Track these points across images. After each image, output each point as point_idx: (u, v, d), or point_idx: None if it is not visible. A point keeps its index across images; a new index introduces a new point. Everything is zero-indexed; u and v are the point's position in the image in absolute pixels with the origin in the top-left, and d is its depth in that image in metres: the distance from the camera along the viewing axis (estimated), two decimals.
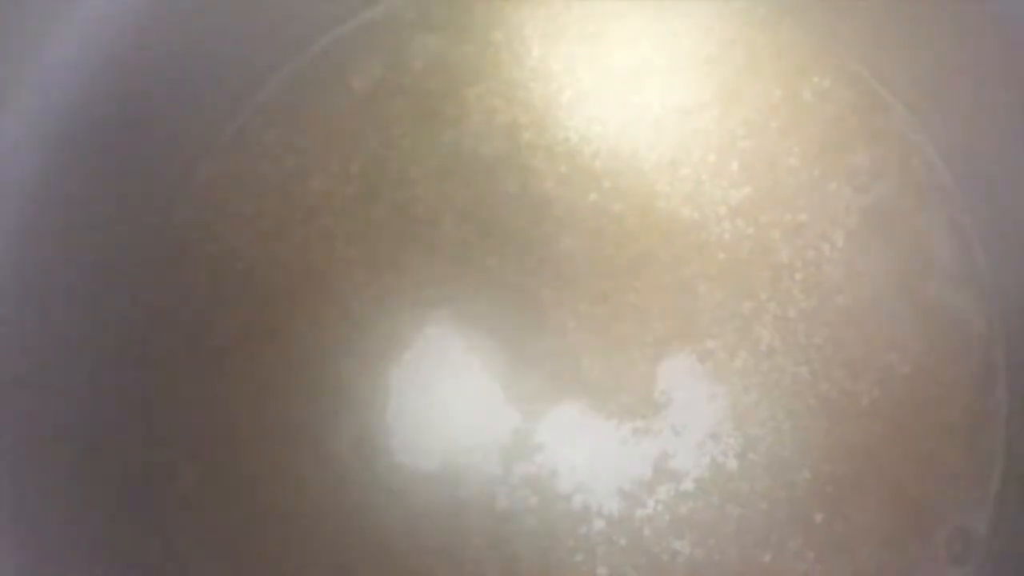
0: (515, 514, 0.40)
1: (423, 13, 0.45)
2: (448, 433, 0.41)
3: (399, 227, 0.43)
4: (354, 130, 0.44)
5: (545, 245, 0.43)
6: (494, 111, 0.44)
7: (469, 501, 0.40)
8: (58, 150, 0.37)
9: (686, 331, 0.41)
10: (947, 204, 0.44)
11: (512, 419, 0.41)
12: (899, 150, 0.45)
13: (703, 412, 0.41)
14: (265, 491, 0.41)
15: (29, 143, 0.36)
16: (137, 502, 0.41)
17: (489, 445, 0.41)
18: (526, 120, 0.44)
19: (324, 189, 0.44)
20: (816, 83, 0.45)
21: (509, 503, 0.40)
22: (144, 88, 0.39)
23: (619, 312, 0.42)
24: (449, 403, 0.41)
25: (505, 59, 0.45)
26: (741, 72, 0.45)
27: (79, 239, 0.40)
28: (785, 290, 0.42)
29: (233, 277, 0.43)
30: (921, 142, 0.45)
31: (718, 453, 0.40)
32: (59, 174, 0.38)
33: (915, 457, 0.40)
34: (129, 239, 0.42)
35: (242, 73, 0.44)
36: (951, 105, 0.44)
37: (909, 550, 0.39)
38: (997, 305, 0.42)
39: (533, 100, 0.44)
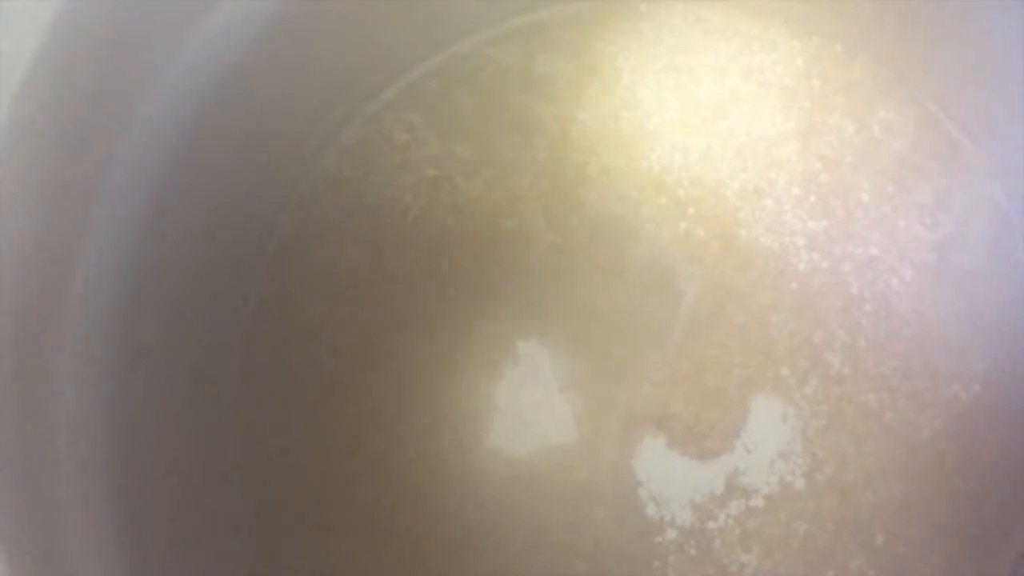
0: (593, 522, 0.43)
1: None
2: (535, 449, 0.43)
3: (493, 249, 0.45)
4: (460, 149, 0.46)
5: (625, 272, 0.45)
6: (583, 135, 0.46)
7: (550, 509, 0.43)
8: (177, 157, 0.39)
9: (762, 363, 0.44)
10: (1012, 238, 0.46)
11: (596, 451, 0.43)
12: (965, 186, 0.47)
13: (774, 432, 0.43)
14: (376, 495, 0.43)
15: (153, 151, 0.38)
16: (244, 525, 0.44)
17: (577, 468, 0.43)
18: (614, 145, 0.46)
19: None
20: (883, 117, 0.47)
21: (588, 511, 0.43)
22: (265, 97, 0.41)
23: (703, 358, 0.44)
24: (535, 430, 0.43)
25: (595, 86, 0.47)
26: (816, 105, 0.47)
27: (190, 243, 0.42)
28: (855, 321, 0.44)
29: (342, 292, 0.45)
30: (987, 178, 0.47)
31: (787, 472, 0.43)
32: (179, 177, 0.39)
33: (977, 482, 0.43)
34: (235, 250, 0.44)
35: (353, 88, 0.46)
36: (1018, 142, 0.46)
37: (970, 574, 0.42)
38: None
39: (621, 127, 0.46)
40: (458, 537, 0.43)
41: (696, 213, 0.46)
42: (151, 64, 0.36)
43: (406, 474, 0.44)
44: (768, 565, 0.42)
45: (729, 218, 0.46)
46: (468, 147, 0.47)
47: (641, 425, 0.43)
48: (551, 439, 0.44)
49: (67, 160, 0.33)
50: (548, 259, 0.45)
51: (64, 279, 0.35)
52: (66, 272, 0.35)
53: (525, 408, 0.44)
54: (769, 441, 0.43)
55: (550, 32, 0.47)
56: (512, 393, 0.44)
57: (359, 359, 0.45)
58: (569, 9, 0.48)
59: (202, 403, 0.44)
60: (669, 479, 0.43)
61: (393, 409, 0.44)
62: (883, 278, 0.45)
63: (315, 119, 0.47)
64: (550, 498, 0.43)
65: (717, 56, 0.48)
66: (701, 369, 0.44)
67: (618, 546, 0.43)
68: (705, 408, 0.43)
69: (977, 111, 0.48)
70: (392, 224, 0.46)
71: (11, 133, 0.30)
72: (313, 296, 0.46)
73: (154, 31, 0.36)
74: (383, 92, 0.47)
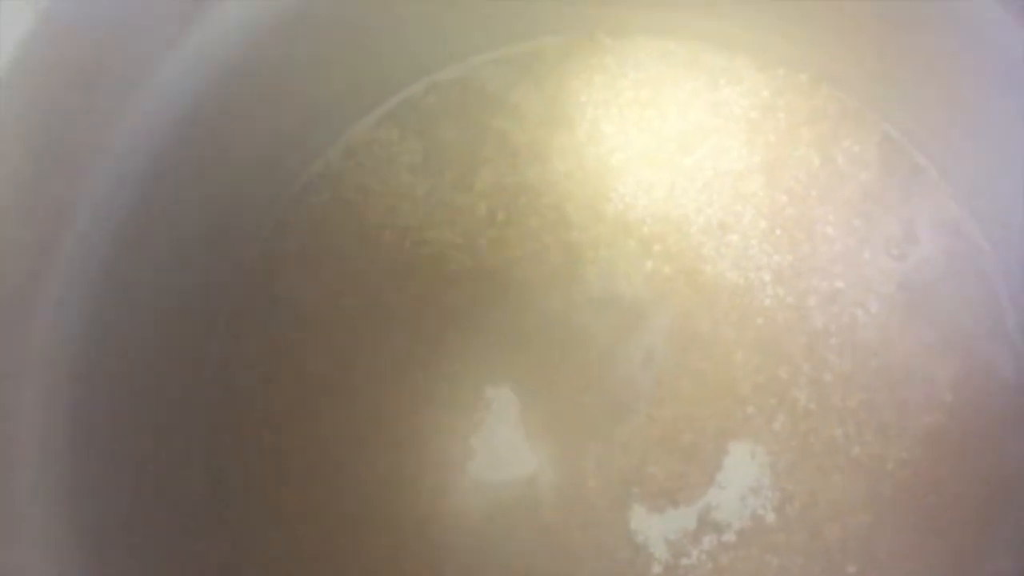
0: (564, 562, 0.43)
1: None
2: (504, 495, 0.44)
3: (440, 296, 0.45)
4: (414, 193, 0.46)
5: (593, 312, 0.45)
6: (542, 176, 0.47)
7: (527, 543, 0.43)
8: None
9: (730, 407, 0.44)
10: (980, 266, 0.47)
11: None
12: (932, 216, 0.48)
13: (745, 470, 0.44)
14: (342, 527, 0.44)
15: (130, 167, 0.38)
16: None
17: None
18: (579, 180, 0.47)
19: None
20: (848, 148, 0.47)
21: (563, 545, 0.43)
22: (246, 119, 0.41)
23: (675, 415, 0.44)
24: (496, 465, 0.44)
25: (560, 123, 0.47)
26: (782, 138, 0.48)
27: (167, 264, 0.42)
28: (820, 356, 0.45)
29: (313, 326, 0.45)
30: (954, 207, 0.48)
31: (758, 507, 0.44)
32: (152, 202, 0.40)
33: (948, 508, 0.43)
34: (202, 285, 0.44)
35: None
36: (985, 169, 0.47)
37: None
38: None
39: (585, 162, 0.47)
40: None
41: (662, 250, 0.46)
42: (127, 82, 0.37)
43: (369, 516, 0.44)
44: None
45: (694, 254, 0.46)
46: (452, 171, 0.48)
47: (615, 486, 0.44)
48: (520, 489, 0.44)
49: (40, 173, 0.34)
50: (514, 296, 0.46)
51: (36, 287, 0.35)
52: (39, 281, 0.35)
53: (495, 455, 0.44)
54: (740, 478, 0.44)
55: (520, 65, 0.48)
56: (482, 440, 0.44)
57: (332, 388, 0.45)
58: (534, 45, 0.48)
59: (169, 428, 0.45)
60: (644, 524, 0.44)
61: (360, 445, 0.45)
62: (848, 311, 0.46)
63: (295, 144, 0.47)
64: (518, 542, 0.44)
65: (682, 90, 0.48)
66: (674, 428, 0.45)
67: None
68: (680, 463, 0.44)
69: (943, 139, 0.48)
70: (371, 252, 0.46)
71: None
72: (287, 321, 0.46)
73: (129, 51, 0.36)
74: (365, 117, 0.47)
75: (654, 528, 0.44)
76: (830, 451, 0.44)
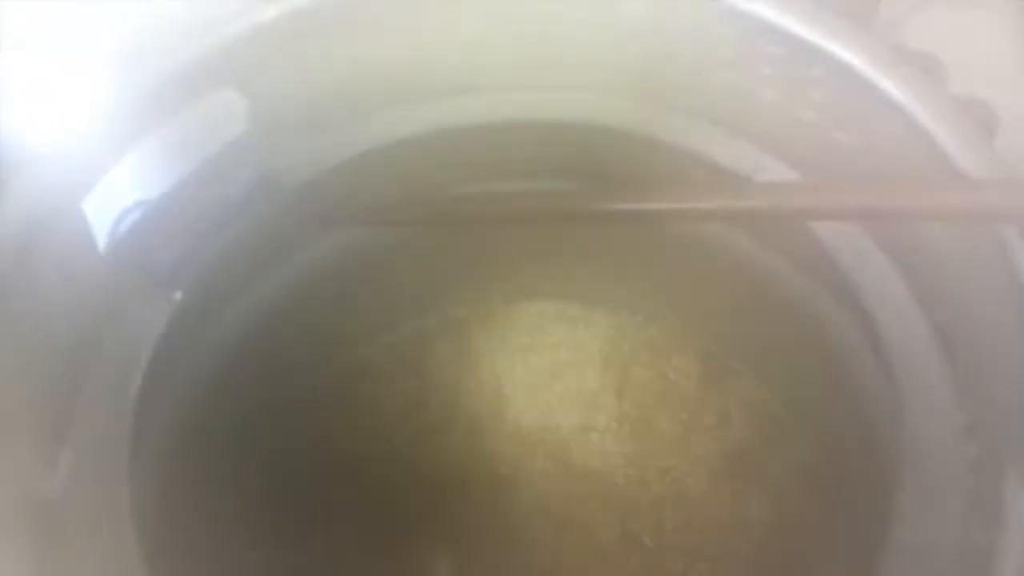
0: None
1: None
2: None
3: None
4: None
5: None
6: (456, 403, 0.66)
7: None
8: None
9: (597, 552, 0.60)
10: (785, 435, 0.63)
11: None
12: (745, 405, 0.65)
13: None
14: None
15: None
16: None
17: None
18: (482, 404, 0.66)
19: None
20: (675, 364, 0.66)
21: None
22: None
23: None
24: None
25: (471, 368, 0.68)
26: (626, 363, 0.67)
27: None
28: (659, 513, 0.60)
29: None
30: (764, 396, 0.65)
31: None
32: None
33: None
34: None
35: None
36: (783, 364, 0.64)
37: None
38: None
39: (483, 393, 0.66)
40: None
41: (543, 450, 0.64)
42: None
43: None
44: None
45: (566, 449, 0.64)
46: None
47: None
48: None
49: None
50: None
51: None
52: None
53: None
54: None
55: (438, 331, 0.69)
56: None
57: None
58: (444, 315, 0.70)
59: None
60: None
61: None
62: (680, 479, 0.62)
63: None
64: None
65: (552, 336, 0.69)
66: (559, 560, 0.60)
67: None
68: None
69: (746, 343, 0.66)
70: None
71: None
72: None
73: None
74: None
75: None
76: None
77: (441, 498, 0.63)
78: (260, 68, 0.45)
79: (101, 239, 0.43)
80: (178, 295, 0.43)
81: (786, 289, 0.55)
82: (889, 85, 0.40)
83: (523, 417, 0.66)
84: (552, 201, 0.47)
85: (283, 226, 0.49)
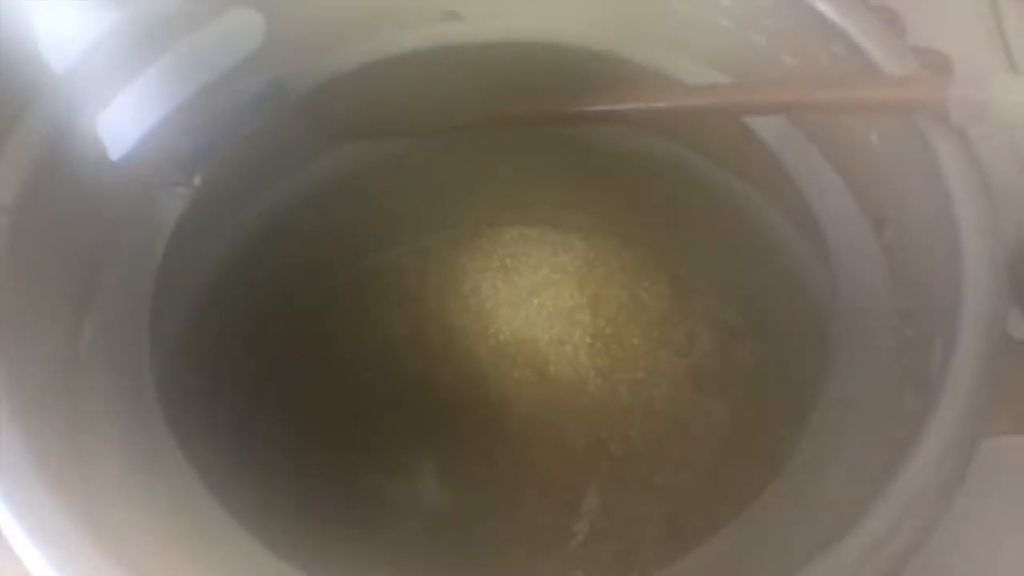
0: None
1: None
2: None
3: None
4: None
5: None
6: (446, 320, 0.72)
7: None
8: None
9: (566, 459, 0.65)
10: (748, 352, 0.68)
11: None
12: (708, 322, 0.70)
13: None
14: None
15: None
16: None
17: None
18: (466, 319, 0.71)
19: None
20: (647, 286, 0.71)
21: None
22: None
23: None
24: None
25: (453, 284, 0.73)
26: (601, 284, 0.72)
27: None
28: (628, 422, 0.66)
29: None
30: (727, 315, 0.70)
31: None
32: None
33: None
34: None
35: None
36: (747, 286, 0.69)
37: None
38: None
39: (469, 306, 0.71)
40: None
41: (521, 360, 0.69)
42: None
43: None
44: None
45: (542, 360, 0.69)
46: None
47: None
48: None
49: None
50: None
51: None
52: None
53: None
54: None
55: (431, 250, 0.74)
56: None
57: None
58: (433, 236, 0.74)
59: None
60: None
61: None
62: (647, 392, 0.67)
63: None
64: None
65: (532, 257, 0.74)
66: (534, 471, 0.66)
67: None
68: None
69: (720, 274, 0.71)
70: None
71: None
72: None
73: None
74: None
75: None
76: (638, 481, 0.64)
77: (424, 399, 0.68)
78: None
79: (131, 134, 0.48)
80: (197, 180, 0.47)
81: (742, 207, 0.60)
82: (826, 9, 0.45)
83: (502, 330, 0.71)
84: (533, 104, 0.52)
85: (291, 132, 0.53)
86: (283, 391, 0.66)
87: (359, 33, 0.54)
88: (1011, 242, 0.94)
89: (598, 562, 0.62)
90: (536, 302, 0.72)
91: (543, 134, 0.62)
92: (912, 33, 0.79)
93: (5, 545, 0.34)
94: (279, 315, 0.68)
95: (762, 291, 0.67)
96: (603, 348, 0.70)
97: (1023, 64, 0.75)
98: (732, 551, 0.38)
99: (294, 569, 0.37)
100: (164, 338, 0.49)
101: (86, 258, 0.46)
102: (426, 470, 0.66)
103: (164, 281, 0.47)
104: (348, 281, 0.72)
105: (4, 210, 0.39)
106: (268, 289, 0.63)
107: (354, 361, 0.69)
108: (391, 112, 0.55)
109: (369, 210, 0.67)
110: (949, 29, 0.79)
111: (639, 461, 0.65)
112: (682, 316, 0.71)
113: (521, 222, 0.75)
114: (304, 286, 0.69)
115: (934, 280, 0.42)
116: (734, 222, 0.64)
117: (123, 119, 0.51)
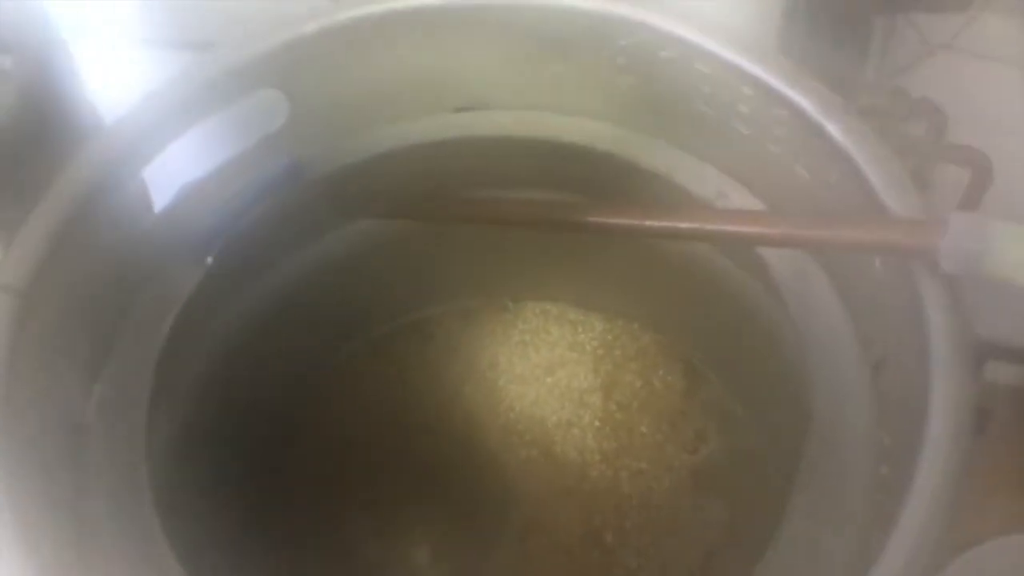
0: None
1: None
2: None
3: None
4: None
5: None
6: (459, 394, 0.73)
7: None
8: None
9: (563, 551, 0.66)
10: (754, 458, 0.68)
11: None
12: (719, 419, 0.70)
13: None
14: None
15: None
16: None
17: None
18: (479, 395, 0.72)
19: None
20: (662, 375, 0.71)
21: None
22: None
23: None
24: None
25: (470, 360, 0.74)
26: (616, 367, 0.72)
27: None
28: (624, 512, 0.66)
29: None
30: (735, 410, 0.70)
31: None
32: None
33: None
34: None
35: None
36: (754, 380, 0.69)
37: None
38: None
39: (483, 383, 0.73)
40: None
41: (529, 439, 0.70)
42: None
43: None
44: None
45: (549, 440, 0.70)
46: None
47: None
48: None
49: None
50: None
51: None
52: None
53: None
54: None
55: (442, 322, 0.75)
56: None
57: None
58: (457, 306, 0.76)
59: None
60: None
61: None
62: (647, 484, 0.67)
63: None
64: None
65: (551, 335, 0.75)
66: (535, 548, 0.66)
67: None
68: None
69: (732, 367, 0.71)
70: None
71: None
72: None
73: None
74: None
75: None
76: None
77: (430, 473, 0.69)
78: (301, 74, 0.53)
79: (154, 205, 0.51)
80: (209, 260, 0.50)
81: (756, 307, 0.60)
82: (835, 131, 0.45)
83: (513, 407, 0.72)
84: (544, 209, 0.53)
85: (307, 212, 0.56)
86: (286, 469, 0.68)
87: (379, 118, 0.56)
88: None
89: None
90: (548, 380, 0.73)
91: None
92: (954, 127, 0.78)
93: None
94: (288, 391, 0.70)
95: (768, 386, 0.67)
96: (610, 434, 0.70)
97: None
98: None
99: None
100: (166, 416, 0.52)
101: (99, 328, 0.49)
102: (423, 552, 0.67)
103: (174, 343, 0.50)
104: (356, 350, 0.74)
105: (16, 291, 0.42)
106: (278, 364, 0.66)
107: (357, 436, 0.71)
108: (406, 198, 0.58)
109: (383, 280, 0.69)
110: (994, 122, 0.78)
111: (628, 551, 0.65)
112: (697, 411, 0.70)
113: (542, 297, 0.77)
114: (312, 362, 0.71)
115: (912, 418, 0.42)
116: (743, 316, 0.64)
117: (147, 191, 0.55)
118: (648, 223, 0.49)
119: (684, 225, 0.48)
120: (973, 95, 0.78)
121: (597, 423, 0.70)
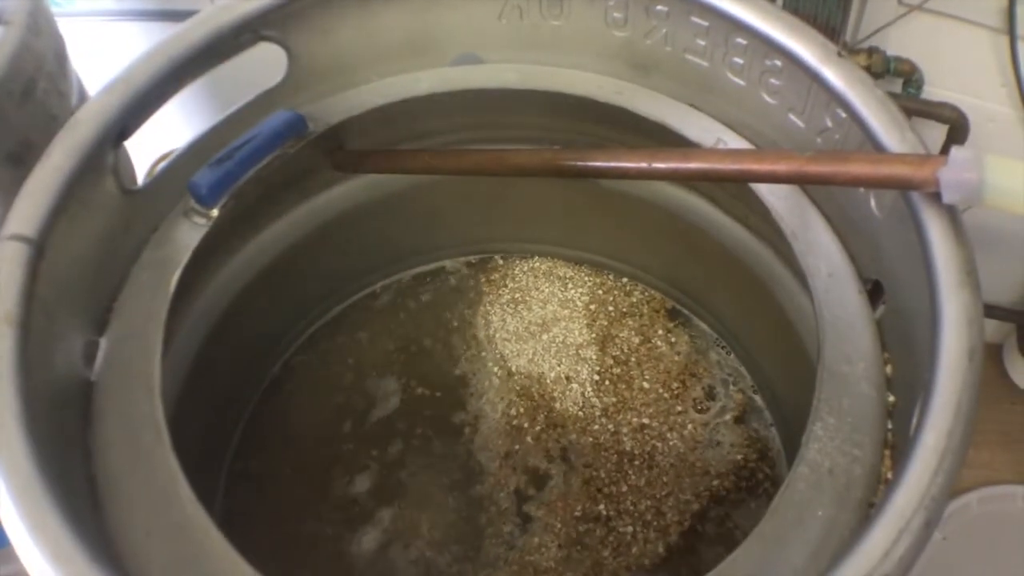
0: None
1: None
2: None
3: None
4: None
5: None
6: (458, 343, 0.74)
7: None
8: None
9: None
10: (757, 417, 0.70)
11: None
12: (723, 380, 0.72)
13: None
14: None
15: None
16: None
17: None
18: (474, 351, 0.74)
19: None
20: (661, 334, 0.73)
21: None
22: None
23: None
24: None
25: (464, 314, 0.75)
26: (613, 322, 0.74)
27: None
28: (624, 470, 0.67)
29: None
30: (742, 373, 0.72)
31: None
32: None
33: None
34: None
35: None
36: (762, 344, 0.71)
37: None
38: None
39: (479, 337, 0.74)
40: None
41: (527, 394, 0.72)
42: None
43: None
44: None
45: (548, 396, 0.71)
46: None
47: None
48: None
49: None
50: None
51: None
52: None
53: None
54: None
55: (439, 276, 0.76)
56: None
57: None
58: (449, 264, 0.77)
59: None
60: None
61: None
62: (651, 441, 0.69)
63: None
64: None
65: (543, 292, 0.76)
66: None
67: None
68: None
69: (732, 321, 0.73)
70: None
71: None
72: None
73: None
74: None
75: None
76: (619, 544, 0.65)
77: (424, 426, 0.70)
78: (299, 28, 0.53)
79: (156, 160, 0.51)
80: (215, 212, 0.50)
81: (741, 249, 0.62)
82: (832, 76, 0.47)
83: (510, 364, 0.73)
84: (538, 155, 0.54)
85: (305, 164, 0.56)
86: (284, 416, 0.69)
87: (378, 73, 0.57)
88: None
89: None
90: (544, 337, 0.74)
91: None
92: (930, 84, 0.81)
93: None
94: (287, 342, 0.71)
95: (761, 330, 0.69)
96: (610, 388, 0.72)
97: None
98: None
99: None
100: (175, 363, 0.52)
101: (107, 280, 0.49)
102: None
103: (178, 306, 0.50)
104: (351, 307, 0.76)
105: (28, 240, 0.42)
106: (280, 312, 0.66)
107: (351, 387, 0.72)
108: (404, 150, 0.58)
109: (377, 235, 0.70)
110: (967, 80, 0.81)
111: (625, 518, 0.66)
112: (700, 367, 0.72)
113: (532, 253, 0.79)
114: (311, 314, 0.72)
115: (917, 348, 0.44)
116: (736, 264, 0.66)
117: (147, 149, 0.55)
118: (656, 165, 0.50)
119: (693, 165, 0.50)
120: (946, 54, 0.81)
121: (595, 377, 0.72)
